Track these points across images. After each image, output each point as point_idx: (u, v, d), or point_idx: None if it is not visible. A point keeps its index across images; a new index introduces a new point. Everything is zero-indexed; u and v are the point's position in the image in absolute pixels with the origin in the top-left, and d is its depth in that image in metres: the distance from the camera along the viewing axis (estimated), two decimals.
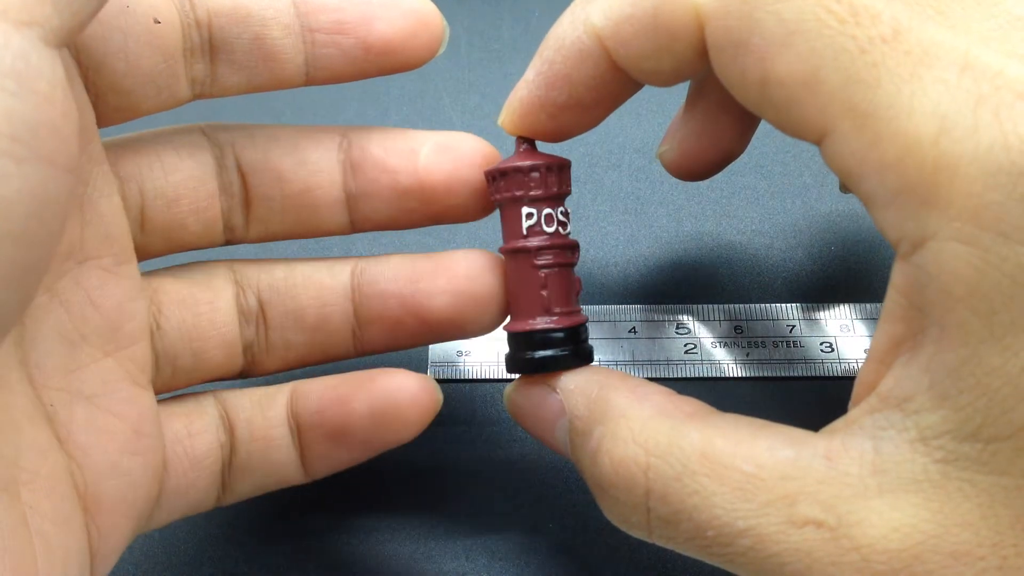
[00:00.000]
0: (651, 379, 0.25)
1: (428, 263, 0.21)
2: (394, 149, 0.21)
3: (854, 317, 0.26)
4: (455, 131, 0.21)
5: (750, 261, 0.28)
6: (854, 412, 0.15)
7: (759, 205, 0.29)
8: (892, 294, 0.15)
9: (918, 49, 0.14)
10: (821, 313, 0.26)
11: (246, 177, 0.21)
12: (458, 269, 0.21)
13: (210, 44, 0.19)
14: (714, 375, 0.26)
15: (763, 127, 0.23)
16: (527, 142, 0.20)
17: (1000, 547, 0.13)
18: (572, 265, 0.20)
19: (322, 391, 0.21)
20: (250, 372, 0.21)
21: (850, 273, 0.27)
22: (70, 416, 0.17)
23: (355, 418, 0.20)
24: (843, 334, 0.26)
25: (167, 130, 0.21)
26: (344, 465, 0.21)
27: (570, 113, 0.19)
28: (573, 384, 0.19)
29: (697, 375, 0.26)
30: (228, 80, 0.20)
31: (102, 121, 0.19)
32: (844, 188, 0.23)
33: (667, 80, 0.18)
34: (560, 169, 0.20)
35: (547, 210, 0.20)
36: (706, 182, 0.29)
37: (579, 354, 0.20)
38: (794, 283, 0.27)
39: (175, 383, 0.21)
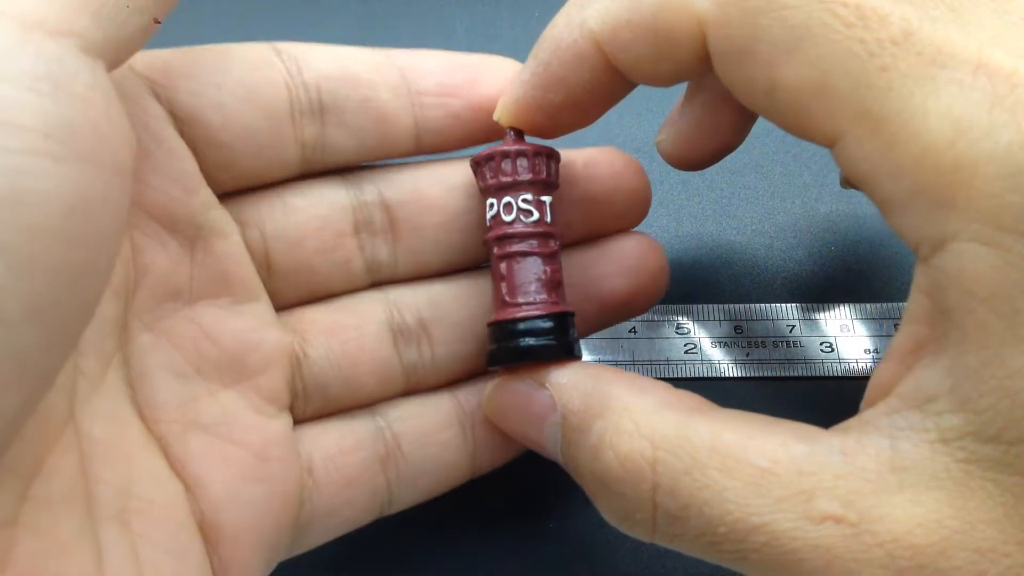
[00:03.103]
0: None
1: (594, 251, 0.21)
2: None
3: (854, 317, 0.26)
4: (602, 147, 0.22)
5: (750, 261, 0.28)
6: (869, 412, 0.15)
7: (759, 205, 0.29)
8: (915, 295, 0.15)
9: (930, 50, 0.14)
10: (821, 313, 0.26)
11: (392, 210, 0.20)
12: (625, 249, 0.22)
13: (320, 105, 0.19)
14: (714, 375, 0.26)
15: (764, 126, 0.23)
16: (515, 130, 0.20)
17: None
18: (557, 254, 0.20)
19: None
20: (415, 391, 0.21)
21: (850, 273, 0.27)
22: (183, 446, 0.17)
23: None
24: (843, 334, 0.26)
25: (296, 175, 0.20)
26: (511, 457, 0.22)
27: (566, 112, 0.19)
28: (565, 378, 0.18)
29: (697, 375, 0.26)
30: (340, 144, 0.20)
31: (214, 184, 0.19)
32: (845, 183, 0.23)
33: (666, 82, 0.18)
34: (548, 157, 0.20)
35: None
36: (706, 182, 0.29)
37: (569, 343, 0.19)
38: (794, 283, 0.27)
39: (331, 410, 0.20)
